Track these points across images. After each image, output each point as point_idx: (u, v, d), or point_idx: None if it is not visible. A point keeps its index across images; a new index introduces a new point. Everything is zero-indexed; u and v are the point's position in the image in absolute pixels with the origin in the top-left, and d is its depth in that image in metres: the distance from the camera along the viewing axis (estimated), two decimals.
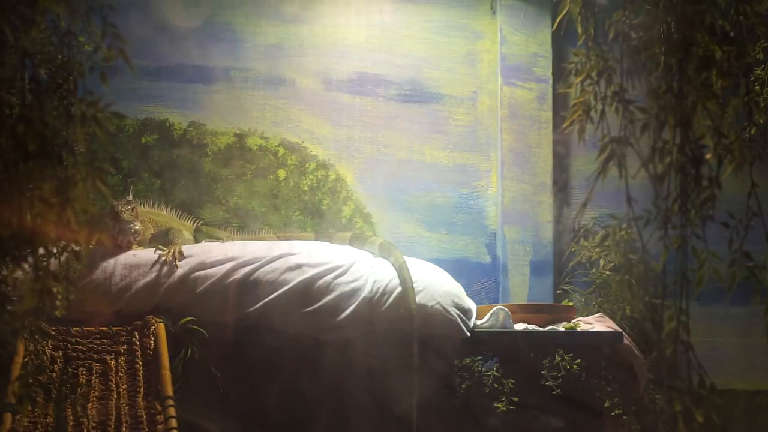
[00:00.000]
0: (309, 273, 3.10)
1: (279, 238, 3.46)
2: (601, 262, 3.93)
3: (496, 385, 3.41)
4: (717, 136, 1.76)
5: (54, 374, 2.75)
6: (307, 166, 3.94)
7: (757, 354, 4.08)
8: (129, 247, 3.10)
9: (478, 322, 3.31)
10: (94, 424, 2.64)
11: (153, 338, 2.88)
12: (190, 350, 2.94)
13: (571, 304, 3.74)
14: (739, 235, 1.75)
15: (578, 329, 3.40)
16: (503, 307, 3.37)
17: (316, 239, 3.47)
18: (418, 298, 3.10)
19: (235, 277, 3.06)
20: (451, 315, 3.14)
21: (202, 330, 2.97)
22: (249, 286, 3.06)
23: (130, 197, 3.18)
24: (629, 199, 1.76)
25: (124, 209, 3.07)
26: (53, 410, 2.64)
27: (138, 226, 3.13)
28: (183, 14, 3.87)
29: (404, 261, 3.20)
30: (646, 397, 3.31)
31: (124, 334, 2.90)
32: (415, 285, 3.12)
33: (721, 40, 1.77)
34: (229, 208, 3.85)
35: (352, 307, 3.08)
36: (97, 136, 1.74)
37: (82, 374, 2.79)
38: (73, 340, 2.85)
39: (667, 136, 1.75)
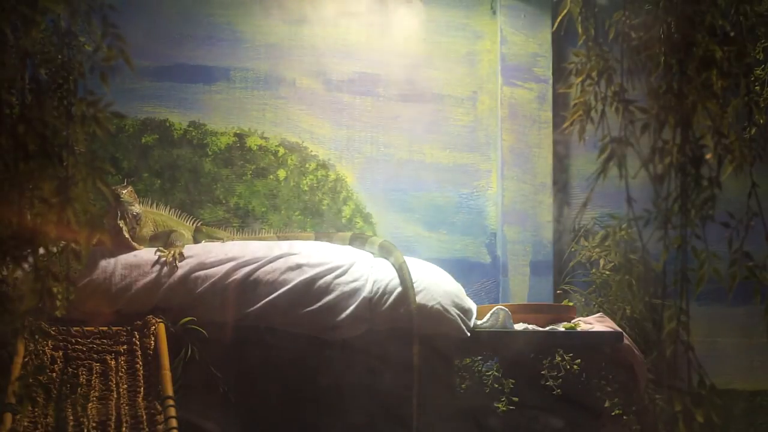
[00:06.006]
0: (309, 273, 3.10)
1: (279, 238, 3.46)
2: (601, 262, 3.93)
3: (496, 385, 3.41)
4: (717, 136, 1.76)
5: (54, 374, 2.74)
6: (307, 166, 3.94)
7: (757, 354, 4.09)
8: (132, 236, 3.10)
9: (478, 322, 3.31)
10: (94, 424, 2.63)
11: (153, 338, 2.87)
12: (190, 350, 2.94)
13: (571, 304, 3.74)
14: (739, 235, 1.75)
15: (578, 329, 3.40)
16: (503, 307, 3.37)
17: (316, 239, 3.47)
18: (418, 298, 3.10)
19: (235, 277, 3.06)
20: (451, 315, 3.14)
21: (202, 330, 2.96)
22: (249, 286, 3.06)
23: (125, 183, 3.20)
24: (629, 199, 1.76)
25: (123, 191, 3.09)
26: (53, 410, 2.64)
27: (138, 209, 3.15)
28: (183, 14, 3.87)
29: (404, 261, 3.20)
30: (646, 397, 3.31)
31: (124, 334, 2.90)
32: (415, 285, 3.12)
33: (722, 40, 1.77)
34: (229, 208, 3.85)
35: (352, 307, 3.08)
36: (97, 136, 1.73)
37: (82, 374, 2.78)
38: (73, 340, 2.84)
39: (667, 136, 1.75)
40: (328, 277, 3.11)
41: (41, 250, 1.73)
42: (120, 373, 2.81)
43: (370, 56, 4.05)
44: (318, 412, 3.12)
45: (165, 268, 3.04)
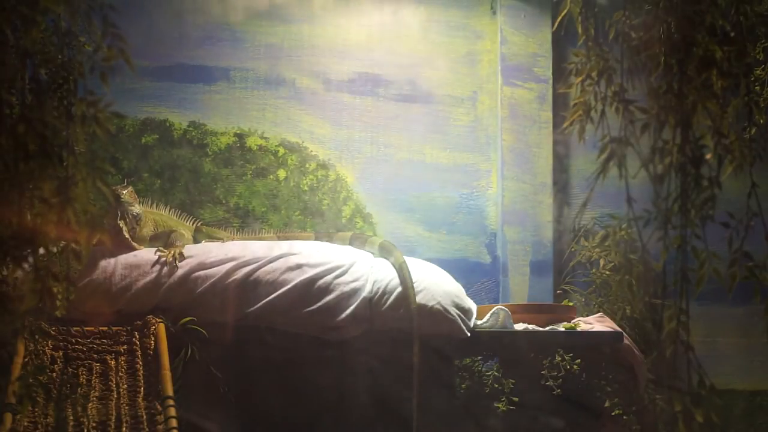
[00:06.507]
0: (309, 273, 3.10)
1: (279, 238, 3.46)
2: (601, 262, 3.93)
3: (496, 385, 3.41)
4: (717, 136, 1.76)
5: (54, 374, 2.74)
6: (307, 166, 3.94)
7: (757, 354, 4.09)
8: (132, 236, 3.10)
9: (478, 322, 3.30)
10: (94, 424, 2.63)
11: (153, 338, 2.87)
12: (190, 350, 2.94)
13: (571, 304, 3.74)
14: (739, 235, 1.75)
15: (578, 329, 3.40)
16: (503, 307, 3.36)
17: (316, 239, 3.47)
18: (418, 298, 3.10)
19: (235, 277, 3.06)
20: (451, 315, 3.14)
21: (202, 330, 2.96)
22: (249, 286, 3.06)
23: (125, 183, 3.21)
24: (629, 199, 1.76)
25: (123, 192, 3.10)
26: (53, 410, 2.64)
27: (138, 209, 3.16)
28: (183, 14, 3.87)
29: (404, 261, 3.20)
30: (646, 397, 3.31)
31: (124, 334, 2.90)
32: (415, 285, 3.12)
33: (722, 40, 1.77)
34: (229, 208, 3.85)
35: (352, 307, 3.08)
36: (97, 136, 1.73)
37: (82, 374, 2.78)
38: (73, 340, 2.84)
39: (668, 136, 1.75)
40: (328, 277, 3.11)
41: (41, 250, 1.73)
42: (120, 373, 2.81)
43: (370, 56, 4.05)
44: (318, 413, 3.12)
45: (165, 268, 3.04)
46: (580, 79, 1.85)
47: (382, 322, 3.11)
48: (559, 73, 4.09)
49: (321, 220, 3.91)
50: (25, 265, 1.72)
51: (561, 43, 4.07)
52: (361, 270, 3.17)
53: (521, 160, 4.06)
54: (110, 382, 2.78)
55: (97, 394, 2.74)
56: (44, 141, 1.66)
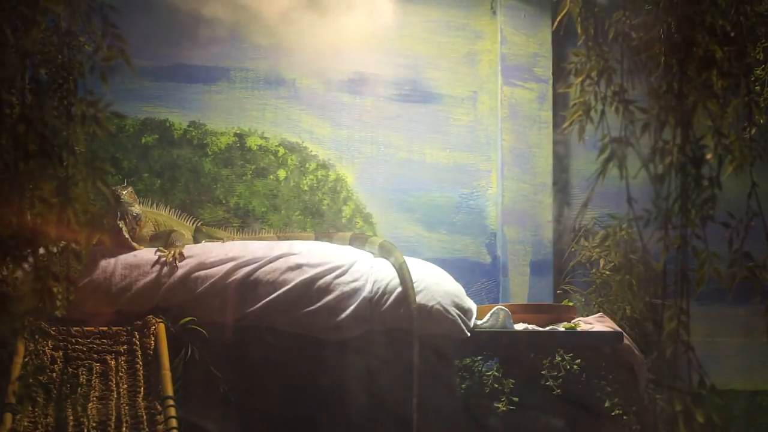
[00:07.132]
0: (309, 273, 3.10)
1: (279, 238, 3.46)
2: (601, 262, 3.93)
3: (496, 385, 3.42)
4: (717, 136, 1.76)
5: (54, 374, 2.75)
6: (307, 166, 3.94)
7: (758, 354, 4.09)
8: (132, 236, 3.10)
9: (479, 322, 3.30)
10: (94, 424, 2.63)
11: (153, 338, 2.87)
12: (190, 350, 2.94)
13: (571, 304, 3.74)
14: (739, 235, 1.75)
15: (578, 329, 3.40)
16: (503, 307, 3.36)
17: (316, 239, 3.47)
18: (418, 298, 3.10)
19: (235, 277, 3.06)
20: (452, 315, 3.14)
21: (202, 330, 2.96)
22: (249, 286, 3.06)
23: (125, 183, 3.21)
24: (629, 199, 1.76)
25: (123, 192, 3.10)
26: (53, 410, 2.64)
27: (138, 209, 3.16)
28: (183, 14, 3.87)
29: (404, 261, 3.20)
30: (646, 397, 3.31)
31: (124, 334, 2.90)
32: (415, 285, 3.12)
33: (722, 40, 1.77)
34: (229, 208, 3.85)
35: (352, 307, 3.08)
36: (97, 136, 1.73)
37: (82, 374, 2.78)
38: (73, 340, 2.84)
39: (668, 136, 1.75)
40: (328, 277, 3.11)
41: (41, 250, 1.73)
42: (120, 373, 2.81)
43: (370, 56, 4.04)
44: (318, 413, 3.12)
45: (165, 268, 3.04)
46: (580, 79, 1.85)
47: (382, 322, 3.11)
48: (559, 73, 4.09)
49: (321, 220, 3.91)
50: (25, 265, 1.72)
51: (561, 43, 4.07)
52: (361, 270, 3.17)
53: (521, 160, 4.06)
54: (110, 382, 2.78)
55: (97, 394, 2.74)
56: (44, 141, 1.66)
